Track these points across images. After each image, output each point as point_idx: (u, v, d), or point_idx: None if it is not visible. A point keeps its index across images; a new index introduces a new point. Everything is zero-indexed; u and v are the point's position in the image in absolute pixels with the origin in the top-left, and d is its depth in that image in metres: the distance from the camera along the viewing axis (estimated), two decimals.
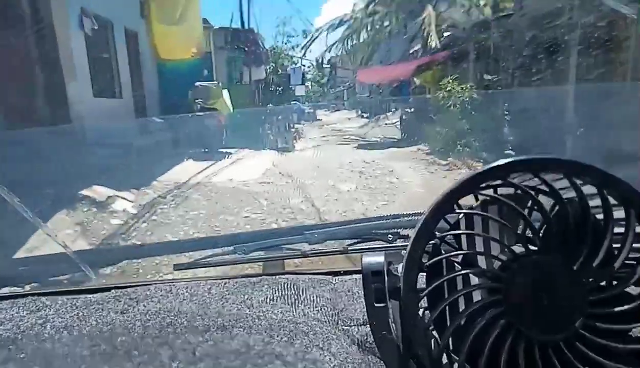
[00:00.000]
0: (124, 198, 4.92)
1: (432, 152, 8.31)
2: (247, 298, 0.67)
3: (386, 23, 13.80)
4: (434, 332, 0.46)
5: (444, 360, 0.45)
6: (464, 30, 10.46)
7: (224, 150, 8.25)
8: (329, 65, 23.65)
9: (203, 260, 0.86)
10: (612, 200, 0.44)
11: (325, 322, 0.62)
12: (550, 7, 7.03)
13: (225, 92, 9.05)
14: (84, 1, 6.59)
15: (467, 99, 8.70)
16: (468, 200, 0.48)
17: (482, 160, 6.71)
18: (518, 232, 0.45)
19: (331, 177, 6.32)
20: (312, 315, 0.63)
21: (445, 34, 11.30)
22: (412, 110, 11.65)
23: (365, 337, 0.59)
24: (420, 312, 0.47)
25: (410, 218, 0.91)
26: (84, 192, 4.61)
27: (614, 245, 0.44)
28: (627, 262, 0.44)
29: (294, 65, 17.67)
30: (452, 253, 0.46)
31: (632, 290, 0.45)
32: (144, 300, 0.67)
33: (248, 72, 11.46)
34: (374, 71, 13.79)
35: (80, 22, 6.47)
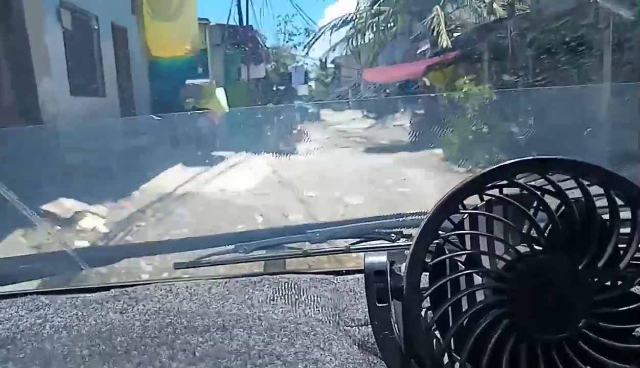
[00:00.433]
0: (95, 213, 4.41)
1: (447, 157, 7.97)
2: (247, 298, 0.67)
3: (391, 23, 13.65)
4: (437, 332, 0.46)
5: (446, 360, 0.45)
6: (476, 29, 10.24)
7: (218, 153, 7.85)
8: (333, 65, 22.85)
9: (203, 259, 0.86)
10: (618, 201, 0.44)
11: (327, 322, 0.62)
12: (574, 2, 6.62)
13: (220, 91, 8.35)
14: None
15: (486, 101, 8.30)
16: (473, 200, 0.47)
17: None
18: (523, 232, 0.45)
19: (337, 188, 5.84)
20: (314, 315, 0.64)
21: (455, 34, 11.07)
22: (423, 111, 11.01)
23: (366, 337, 0.60)
24: (423, 312, 0.47)
25: (413, 217, 0.91)
26: (47, 206, 4.06)
27: (620, 246, 0.44)
28: (632, 262, 0.45)
29: (295, 64, 16.87)
30: (456, 253, 0.47)
31: (637, 290, 0.45)
32: (143, 300, 0.67)
33: (246, 70, 10.81)
34: (381, 71, 13.32)
35: (57, 15, 5.69)
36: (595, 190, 0.45)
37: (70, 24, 6.37)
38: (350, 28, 14.48)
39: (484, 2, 9.30)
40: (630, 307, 0.45)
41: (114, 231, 4.09)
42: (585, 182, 0.45)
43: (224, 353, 0.53)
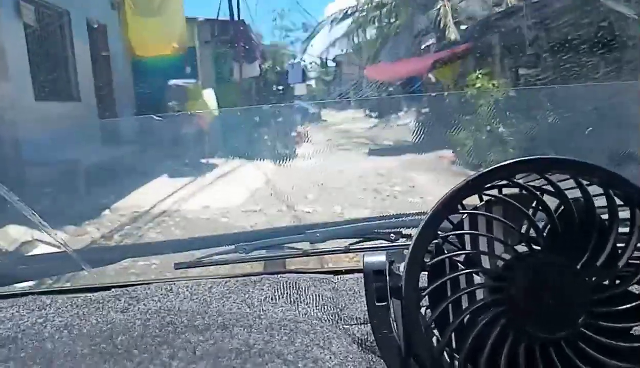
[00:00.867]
0: (49, 243, 3.00)
1: (459, 161, 7.52)
2: (247, 298, 0.70)
3: (394, 16, 13.41)
4: (435, 331, 0.49)
5: (444, 358, 0.47)
6: (488, 18, 9.89)
7: (205, 162, 7.44)
8: (334, 63, 22.03)
9: (204, 259, 0.90)
10: (618, 201, 0.46)
11: (326, 320, 0.65)
12: None
13: (209, 93, 7.66)
14: None
15: (501, 97, 7.78)
16: (472, 200, 0.50)
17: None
18: (522, 232, 0.47)
19: (338, 200, 5.43)
20: (313, 314, 0.67)
21: (462, 27, 10.76)
22: (429, 110, 10.41)
23: (366, 336, 0.62)
24: (422, 311, 0.49)
25: (412, 217, 0.95)
26: None
27: (618, 245, 0.46)
28: (631, 261, 0.46)
29: (292, 61, 16.04)
30: (455, 253, 0.48)
31: (635, 288, 0.47)
32: (144, 299, 0.70)
33: (239, 69, 10.02)
34: (384, 68, 12.71)
35: (16, 10, 4.94)
36: (596, 190, 0.46)
37: (34, 19, 5.65)
38: (351, 23, 13.81)
39: None
40: (628, 305, 0.46)
41: None
42: (585, 182, 0.47)
43: (224, 351, 0.55)
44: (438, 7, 10.35)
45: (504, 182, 0.48)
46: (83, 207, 4.69)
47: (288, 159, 8.13)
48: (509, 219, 0.48)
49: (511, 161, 0.47)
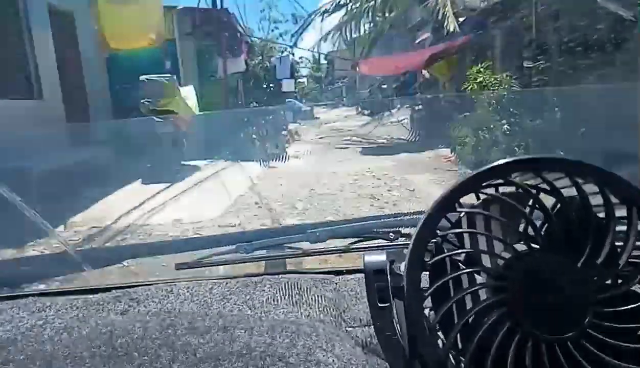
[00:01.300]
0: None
1: (459, 160, 7.10)
2: (248, 299, 0.72)
3: (390, 8, 12.69)
4: (439, 332, 0.49)
5: (450, 360, 0.48)
6: (491, 7, 9.43)
7: (181, 168, 6.88)
8: (325, 60, 21.47)
9: (204, 259, 0.91)
10: (613, 199, 0.48)
11: (329, 322, 0.67)
12: None
13: (188, 90, 7.01)
14: None
15: (505, 92, 7.23)
16: (469, 199, 0.51)
17: None
18: (520, 230, 0.49)
19: (330, 210, 4.91)
20: (315, 315, 0.68)
21: (461, 19, 10.26)
22: (425, 107, 10.36)
23: (369, 338, 0.64)
24: (425, 311, 0.50)
25: (411, 216, 0.98)
26: None
27: (616, 244, 0.48)
28: (631, 260, 0.48)
29: (280, 55, 15.28)
30: (455, 252, 0.49)
31: (637, 288, 0.48)
32: (144, 301, 0.72)
33: (223, 63, 9.30)
34: (378, 62, 12.16)
35: None
36: (590, 188, 0.48)
37: None
38: (344, 15, 13.17)
39: None
40: (634, 306, 0.47)
41: None
42: (580, 181, 0.48)
43: (225, 354, 0.56)
44: None
45: (501, 180, 0.49)
46: (28, 226, 3.93)
47: (277, 161, 7.71)
48: (506, 218, 0.49)
49: (507, 160, 0.48)
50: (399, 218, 1.02)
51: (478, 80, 7.34)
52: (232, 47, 10.77)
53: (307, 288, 0.73)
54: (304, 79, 26.36)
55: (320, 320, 0.67)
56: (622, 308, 0.47)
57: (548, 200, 0.49)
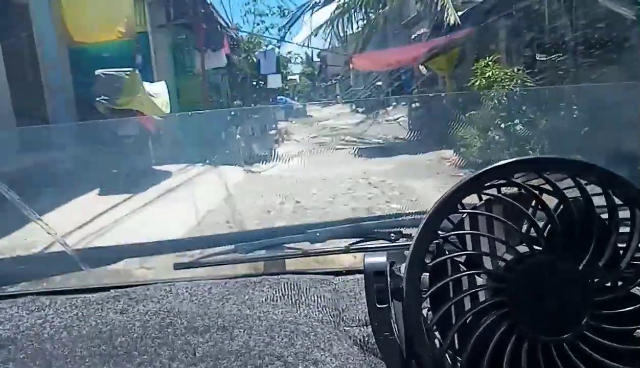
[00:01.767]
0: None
1: (466, 163, 6.47)
2: (247, 299, 0.74)
3: (383, 1, 12.17)
4: (437, 333, 0.52)
5: (446, 361, 0.51)
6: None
7: (152, 173, 6.08)
8: (319, 57, 20.71)
9: (203, 259, 0.94)
10: (617, 200, 0.50)
11: (327, 322, 0.70)
12: None
13: (158, 86, 6.12)
14: None
15: (517, 88, 6.57)
16: (472, 199, 0.53)
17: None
18: (522, 232, 0.51)
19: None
20: (314, 315, 0.71)
21: (460, 12, 9.58)
22: (424, 104, 9.57)
23: (367, 338, 0.66)
24: (424, 312, 0.52)
25: (413, 217, 1.00)
26: None
27: (619, 245, 0.49)
28: (632, 262, 0.49)
29: (264, 49, 14.43)
30: (456, 254, 0.51)
31: (637, 290, 0.50)
32: (143, 300, 0.74)
33: (201, 58, 8.44)
34: (373, 57, 11.54)
35: None
36: (593, 189, 0.48)
37: None
38: (336, 8, 12.46)
39: None
40: (631, 308, 0.48)
41: None
42: (583, 181, 0.49)
43: (224, 353, 0.58)
44: None
45: (503, 181, 0.51)
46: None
47: (262, 164, 7.02)
48: (509, 219, 0.50)
49: (510, 160, 0.48)
50: (400, 218, 1.03)
51: (486, 75, 6.83)
52: (212, 40, 9.99)
53: (306, 289, 0.75)
54: (296, 76, 25.58)
55: (318, 320, 0.69)
56: (620, 310, 0.48)
57: (551, 201, 0.49)
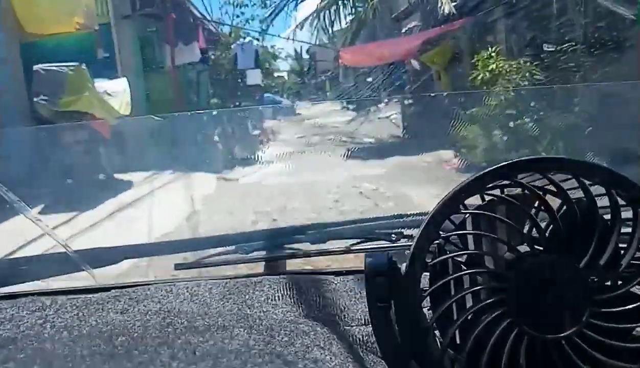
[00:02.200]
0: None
1: (468, 166, 5.92)
2: (248, 298, 0.77)
3: None
4: (437, 332, 0.54)
5: (446, 360, 0.53)
6: None
7: (106, 185, 5.40)
8: (308, 53, 20.04)
9: (204, 259, 0.96)
10: (620, 201, 0.51)
11: (327, 321, 0.71)
12: None
13: (117, 84, 5.29)
14: None
15: (525, 82, 5.87)
16: (474, 199, 0.55)
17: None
18: (524, 232, 0.52)
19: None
20: (314, 315, 0.73)
21: (453, 3, 8.70)
22: (419, 100, 8.88)
23: (367, 337, 0.67)
24: (424, 311, 0.55)
25: (414, 218, 1.01)
26: None
27: (621, 245, 0.51)
28: (633, 262, 0.50)
29: (242, 41, 13.58)
30: (456, 253, 0.53)
31: (637, 289, 0.51)
32: (144, 300, 0.76)
33: (171, 52, 7.63)
34: (362, 50, 10.97)
35: None
36: (597, 190, 0.50)
37: None
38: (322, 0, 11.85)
39: None
40: (630, 306, 0.50)
41: None
42: (587, 182, 0.50)
43: (224, 352, 0.59)
44: None
45: (507, 181, 0.52)
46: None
47: (242, 169, 6.35)
48: (511, 219, 0.51)
49: (513, 161, 0.49)
50: (401, 219, 1.03)
51: (489, 67, 6.29)
52: (184, 32, 9.24)
53: (306, 289, 0.78)
54: (284, 73, 24.81)
55: (318, 319, 0.70)
56: (620, 309, 0.49)
57: (556, 202, 0.51)
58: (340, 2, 12.53)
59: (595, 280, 0.48)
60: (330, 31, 14.32)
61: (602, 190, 0.49)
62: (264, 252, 0.99)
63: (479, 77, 6.46)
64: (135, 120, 6.24)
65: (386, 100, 12.51)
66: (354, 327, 0.69)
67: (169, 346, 0.59)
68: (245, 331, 0.62)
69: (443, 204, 0.50)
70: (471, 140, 6.03)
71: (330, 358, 0.58)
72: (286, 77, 25.25)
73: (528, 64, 6.28)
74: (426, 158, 6.81)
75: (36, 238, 2.16)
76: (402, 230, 0.95)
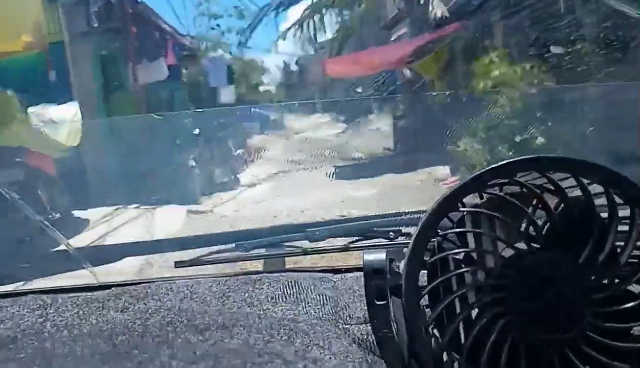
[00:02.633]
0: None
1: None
2: (247, 296, 0.80)
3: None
4: (435, 331, 0.56)
5: (445, 358, 0.54)
6: None
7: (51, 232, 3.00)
8: (297, 64, 19.66)
9: (204, 257, 0.99)
10: (618, 200, 0.54)
11: (326, 320, 0.75)
12: None
13: (66, 110, 4.44)
14: None
15: (534, 89, 5.48)
16: (474, 198, 0.58)
17: None
18: (522, 230, 0.54)
19: None
20: (313, 313, 0.76)
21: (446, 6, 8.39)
22: (411, 110, 8.48)
23: (365, 336, 0.70)
24: (422, 309, 0.57)
25: (412, 216, 1.04)
26: None
27: (618, 244, 0.53)
28: (630, 260, 0.52)
29: (212, 55, 12.90)
30: (454, 251, 0.54)
31: (634, 288, 0.53)
32: (144, 298, 0.79)
33: (133, 70, 6.89)
34: (349, 61, 10.49)
35: None
36: (595, 188, 0.51)
37: None
38: (306, 8, 11.37)
39: None
40: (630, 304, 0.51)
41: None
42: (586, 181, 0.52)
43: (224, 352, 0.61)
44: None
45: (505, 180, 0.54)
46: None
47: (222, 193, 5.85)
48: (510, 217, 0.52)
49: (512, 159, 0.51)
50: (399, 217, 1.07)
51: (493, 74, 5.77)
52: (148, 48, 8.45)
53: (305, 287, 0.81)
54: (272, 87, 24.31)
55: (318, 318, 0.74)
56: (619, 307, 0.51)
57: (554, 201, 0.54)
58: (324, 11, 12.06)
59: (593, 278, 0.50)
60: (315, 41, 13.84)
61: (602, 189, 0.51)
62: (263, 250, 1.01)
63: (480, 86, 6.06)
64: (93, 146, 5.56)
65: (376, 111, 11.97)
66: (353, 326, 0.71)
67: (169, 345, 0.61)
68: (245, 330, 0.65)
69: (441, 202, 0.51)
70: (469, 154, 5.69)
71: (330, 357, 0.60)
72: (274, 91, 24.91)
73: (535, 68, 5.76)
74: (419, 175, 6.55)
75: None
76: (401, 228, 0.98)
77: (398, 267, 0.56)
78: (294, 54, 16.97)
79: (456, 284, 0.51)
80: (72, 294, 0.79)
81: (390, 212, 1.08)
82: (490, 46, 7.51)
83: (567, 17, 6.52)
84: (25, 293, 0.79)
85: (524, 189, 0.50)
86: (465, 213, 0.53)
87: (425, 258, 0.51)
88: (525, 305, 0.48)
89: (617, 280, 0.49)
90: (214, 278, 0.83)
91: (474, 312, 0.49)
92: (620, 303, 0.49)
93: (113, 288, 0.81)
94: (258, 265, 1.01)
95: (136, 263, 1.11)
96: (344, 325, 0.70)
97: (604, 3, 5.93)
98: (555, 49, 6.51)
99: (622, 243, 0.49)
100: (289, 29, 13.74)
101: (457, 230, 0.53)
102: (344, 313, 0.73)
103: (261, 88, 21.31)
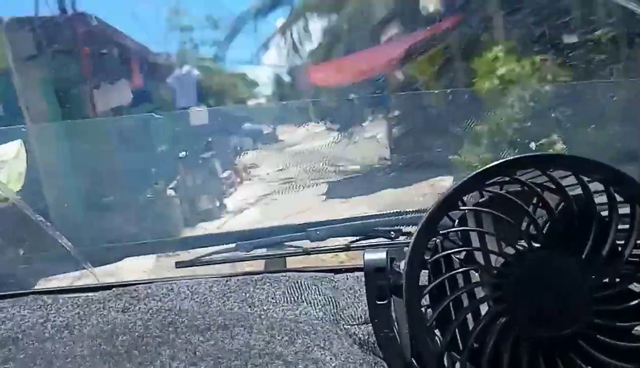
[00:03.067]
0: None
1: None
2: (248, 297, 0.82)
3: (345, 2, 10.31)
4: (437, 330, 0.58)
5: (446, 358, 0.56)
6: None
7: None
8: (289, 74, 18.69)
9: (205, 257, 1.01)
10: (618, 197, 0.55)
11: (327, 320, 0.78)
12: None
13: (9, 149, 3.34)
14: None
15: (545, 85, 4.36)
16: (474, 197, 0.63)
17: None
18: (522, 228, 0.56)
19: None
20: (314, 313, 0.79)
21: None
22: (407, 116, 6.56)
23: (367, 336, 0.73)
24: (423, 309, 0.58)
25: (412, 215, 1.08)
26: None
27: (618, 242, 0.53)
28: (631, 258, 0.53)
29: (179, 72, 11.97)
30: (455, 250, 0.55)
31: (635, 287, 0.54)
32: (145, 299, 0.81)
33: (91, 96, 6.07)
34: (336, 66, 9.43)
35: None
36: (596, 186, 0.52)
37: None
38: (288, 14, 10.63)
39: None
40: (630, 304, 0.51)
41: None
42: (587, 179, 0.53)
43: (224, 352, 0.63)
44: None
45: (506, 178, 0.55)
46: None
47: (204, 223, 4.99)
48: (511, 216, 0.53)
49: (513, 158, 0.51)
50: (400, 216, 1.09)
51: (499, 73, 5.00)
52: (108, 70, 7.74)
53: (306, 287, 0.83)
54: (262, 99, 23.74)
55: (318, 318, 0.76)
56: (620, 306, 0.51)
57: (554, 199, 0.56)
58: (309, 15, 11.51)
59: (593, 277, 0.51)
60: (300, 49, 13.25)
61: (601, 186, 0.52)
62: (264, 250, 1.03)
63: (485, 86, 5.48)
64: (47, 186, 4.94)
65: (370, 118, 11.41)
66: (354, 326, 0.73)
67: (169, 346, 0.62)
68: (246, 330, 0.66)
69: (441, 201, 0.52)
70: (477, 165, 5.00)
71: (331, 358, 0.61)
72: (264, 103, 24.42)
73: (548, 62, 5.20)
74: (420, 188, 6.05)
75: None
76: (401, 227, 1.00)
77: (399, 267, 0.57)
78: (279, 64, 16.39)
79: (457, 283, 0.52)
80: (72, 294, 0.80)
81: (391, 211, 1.09)
82: (490, 41, 7.15)
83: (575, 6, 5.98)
84: (26, 294, 0.81)
85: (525, 187, 0.51)
86: (465, 212, 0.53)
87: (426, 257, 0.52)
88: (526, 304, 0.49)
89: (618, 279, 0.51)
90: (215, 279, 0.84)
91: (476, 311, 0.51)
92: (621, 302, 0.49)
93: (114, 289, 0.82)
94: (259, 265, 1.04)
95: (137, 263, 1.09)
96: (345, 326, 0.72)
97: None
98: (569, 38, 5.94)
99: (623, 242, 0.50)
100: (272, 37, 13.27)
101: (458, 229, 0.53)
102: (345, 313, 0.74)
103: (249, 102, 20.93)
